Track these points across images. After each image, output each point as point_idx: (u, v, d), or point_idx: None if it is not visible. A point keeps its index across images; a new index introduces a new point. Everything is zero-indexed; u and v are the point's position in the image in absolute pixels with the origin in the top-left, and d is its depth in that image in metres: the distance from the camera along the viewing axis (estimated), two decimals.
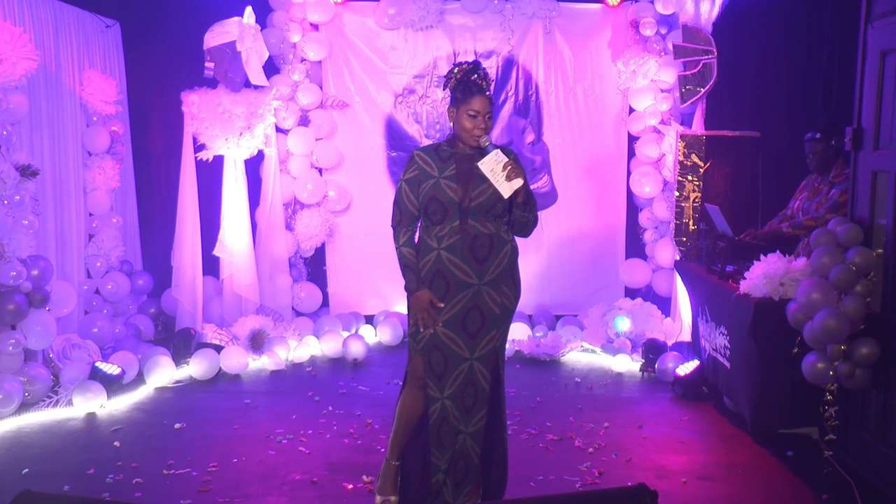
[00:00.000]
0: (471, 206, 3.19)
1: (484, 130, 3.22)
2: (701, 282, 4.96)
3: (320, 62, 6.57)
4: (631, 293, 6.59)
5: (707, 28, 5.53)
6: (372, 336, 6.35)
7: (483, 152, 3.18)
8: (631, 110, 6.44)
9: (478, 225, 3.21)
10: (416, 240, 3.32)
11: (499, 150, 3.16)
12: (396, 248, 3.31)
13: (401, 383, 3.47)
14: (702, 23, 5.55)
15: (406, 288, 3.30)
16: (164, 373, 5.18)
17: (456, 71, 3.24)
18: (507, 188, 3.14)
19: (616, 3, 6.45)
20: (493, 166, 3.14)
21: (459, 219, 3.20)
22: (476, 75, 3.21)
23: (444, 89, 3.35)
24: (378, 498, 3.42)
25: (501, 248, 3.25)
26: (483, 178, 3.16)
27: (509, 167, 3.13)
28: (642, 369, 5.51)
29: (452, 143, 3.31)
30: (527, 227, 3.30)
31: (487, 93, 3.22)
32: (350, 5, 6.58)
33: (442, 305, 3.24)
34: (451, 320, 3.23)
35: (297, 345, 5.86)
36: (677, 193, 5.49)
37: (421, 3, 6.44)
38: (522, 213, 3.24)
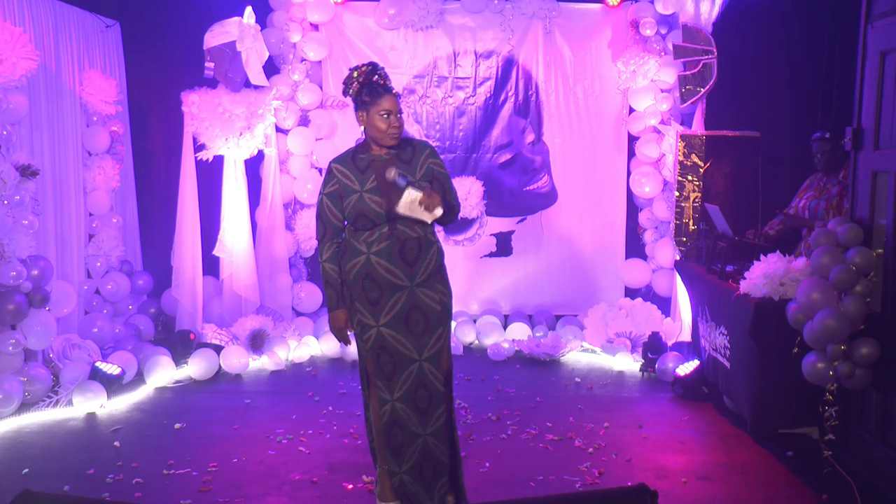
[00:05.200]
0: (398, 214, 3.19)
1: (398, 129, 3.22)
2: (701, 282, 4.96)
3: (320, 62, 6.57)
4: (631, 293, 6.59)
5: (707, 28, 5.53)
6: None
7: (395, 186, 3.15)
8: (631, 110, 6.44)
9: (406, 229, 3.23)
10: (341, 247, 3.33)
11: (410, 189, 3.13)
12: (320, 263, 3.32)
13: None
14: (702, 23, 5.55)
15: (326, 304, 3.30)
16: (164, 373, 5.18)
17: (356, 75, 3.23)
18: (430, 217, 3.19)
19: (616, 3, 6.45)
20: (410, 206, 3.15)
21: (388, 225, 3.22)
22: (377, 76, 3.22)
23: (345, 96, 3.31)
24: None
25: (429, 250, 3.28)
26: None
27: (425, 202, 3.12)
28: (642, 369, 5.51)
29: (367, 148, 3.30)
30: (445, 221, 3.34)
31: (394, 91, 3.23)
32: (350, 5, 6.58)
33: (350, 333, 3.31)
34: (394, 321, 3.22)
35: (296, 345, 5.86)
36: (677, 193, 5.49)
37: (421, 3, 6.44)
38: (442, 222, 3.30)
